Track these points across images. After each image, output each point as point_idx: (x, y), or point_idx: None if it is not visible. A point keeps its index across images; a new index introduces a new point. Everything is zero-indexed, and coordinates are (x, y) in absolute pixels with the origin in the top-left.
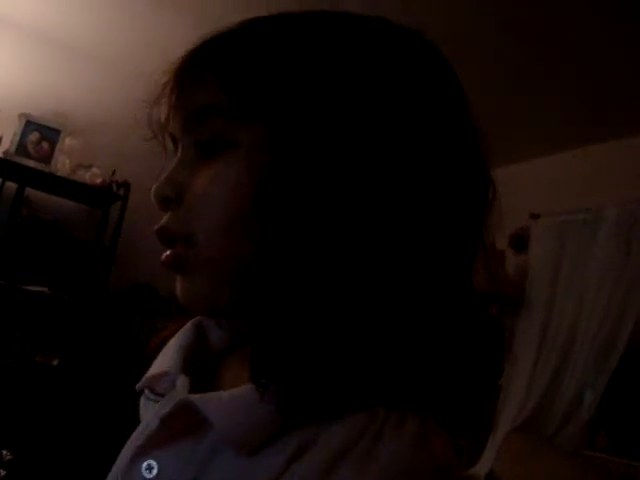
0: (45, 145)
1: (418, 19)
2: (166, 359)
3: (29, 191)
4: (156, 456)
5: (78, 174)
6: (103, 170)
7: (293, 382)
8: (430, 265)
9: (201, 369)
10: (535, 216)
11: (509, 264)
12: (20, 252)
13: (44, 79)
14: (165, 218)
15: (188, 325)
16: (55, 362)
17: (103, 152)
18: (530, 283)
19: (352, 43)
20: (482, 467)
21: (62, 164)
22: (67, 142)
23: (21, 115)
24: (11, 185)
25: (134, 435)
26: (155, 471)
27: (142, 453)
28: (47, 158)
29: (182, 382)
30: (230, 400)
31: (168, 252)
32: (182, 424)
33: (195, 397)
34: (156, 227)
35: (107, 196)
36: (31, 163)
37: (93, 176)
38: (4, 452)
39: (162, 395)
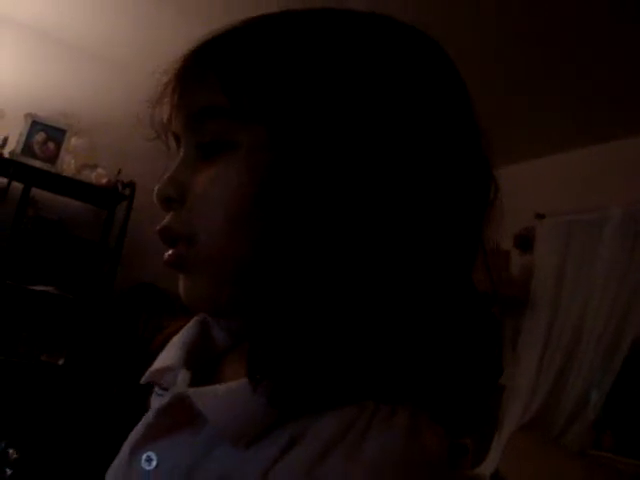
0: (51, 145)
1: (418, 19)
2: (170, 354)
3: (35, 191)
4: (155, 448)
5: (84, 174)
6: (109, 170)
7: (285, 376)
8: (426, 264)
9: (204, 365)
10: (540, 216)
11: (514, 264)
12: (26, 252)
13: (50, 79)
14: (167, 218)
15: (192, 322)
16: (61, 361)
17: (108, 152)
18: (535, 283)
19: (354, 42)
20: (487, 467)
21: (68, 164)
22: (73, 142)
23: (27, 115)
24: (17, 185)
25: (135, 429)
26: (154, 463)
27: (141, 445)
28: (53, 158)
29: (182, 376)
30: (225, 394)
31: (170, 251)
32: (179, 416)
33: (191, 391)
34: (158, 227)
35: (113, 196)
36: (37, 163)
37: (99, 176)
38: (10, 451)
39: (168, 389)
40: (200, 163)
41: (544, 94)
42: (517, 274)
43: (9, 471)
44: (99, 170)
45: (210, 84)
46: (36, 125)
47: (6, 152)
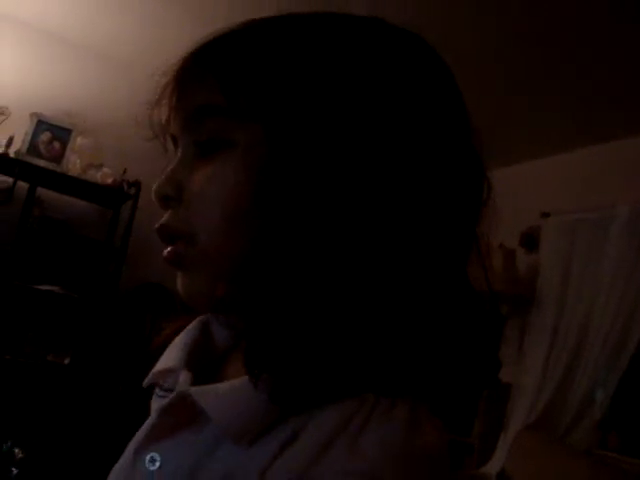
0: (56, 145)
1: (419, 19)
2: (171, 356)
3: (40, 191)
4: (159, 448)
5: (89, 174)
6: (114, 170)
7: (284, 369)
8: (421, 260)
9: (206, 366)
10: (546, 215)
11: (520, 263)
12: (31, 252)
13: (55, 79)
14: (166, 216)
15: (194, 323)
16: (66, 361)
17: (114, 152)
18: (541, 282)
19: (348, 44)
20: (493, 466)
21: (73, 164)
22: (78, 142)
23: (32, 115)
24: (23, 185)
25: (140, 430)
26: (158, 463)
27: (145, 446)
28: (58, 158)
29: (184, 377)
30: (226, 392)
31: (169, 249)
32: (181, 416)
33: (193, 390)
34: (157, 225)
35: (118, 195)
36: (42, 163)
37: (104, 176)
38: (16, 450)
39: (171, 391)
40: (198, 161)
41: (547, 94)
42: (523, 273)
43: (15, 470)
44: (104, 170)
45: (208, 84)
46: (41, 125)
47: (12, 152)
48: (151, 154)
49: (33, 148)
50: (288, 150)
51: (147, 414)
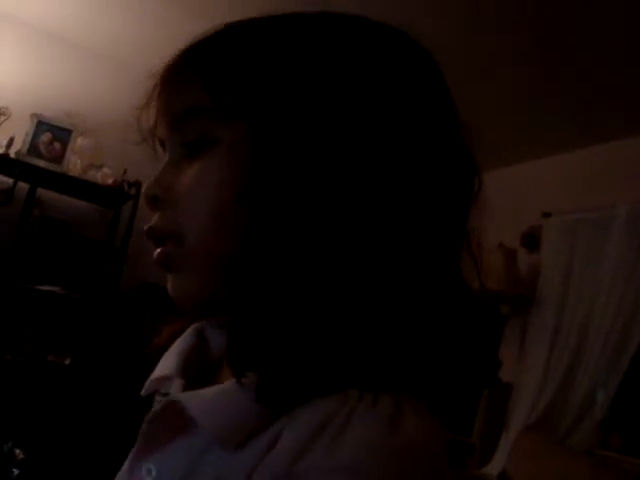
0: (57, 145)
1: (419, 20)
2: (167, 364)
3: (41, 191)
4: (153, 458)
5: (89, 174)
6: (114, 170)
7: (269, 366)
8: (407, 254)
9: (202, 373)
10: (547, 215)
11: (521, 263)
12: (32, 252)
13: (55, 79)
14: (154, 218)
15: (189, 330)
16: (67, 361)
17: (114, 152)
18: (542, 282)
19: (333, 41)
20: (494, 466)
21: (73, 164)
22: (78, 142)
23: (33, 115)
24: (23, 185)
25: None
26: (154, 473)
27: (141, 456)
28: (59, 158)
29: (176, 384)
30: (213, 396)
31: (158, 250)
32: (173, 423)
33: (181, 396)
34: (145, 227)
35: (118, 196)
36: (43, 163)
37: (104, 176)
38: (17, 451)
39: None
40: (185, 162)
41: (547, 94)
42: (524, 273)
43: (16, 471)
44: (105, 170)
45: (193, 85)
46: (42, 125)
47: (12, 152)
48: (151, 154)
49: (33, 149)
50: (273, 146)
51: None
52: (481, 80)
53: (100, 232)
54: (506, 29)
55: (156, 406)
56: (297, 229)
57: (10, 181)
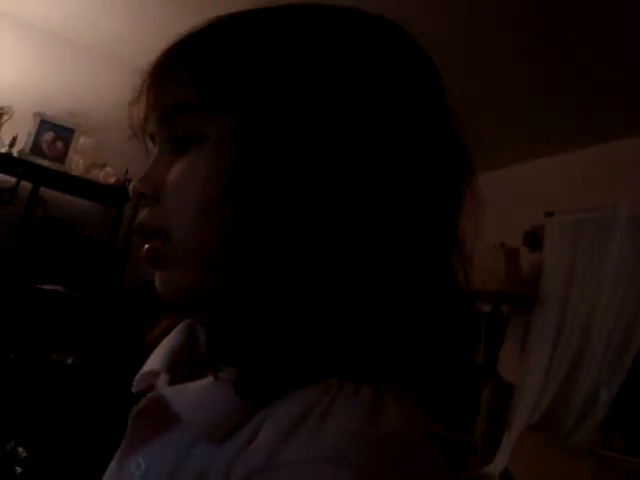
0: (59, 144)
1: (419, 20)
2: (157, 358)
3: (43, 190)
4: (142, 453)
5: (92, 173)
6: (117, 169)
7: (248, 359)
8: (391, 246)
9: (192, 369)
10: (549, 214)
11: (524, 262)
12: (34, 251)
13: (58, 79)
14: (143, 214)
15: (180, 326)
16: (69, 360)
17: (117, 151)
18: (544, 281)
19: (321, 34)
20: (496, 466)
21: (76, 163)
22: (81, 141)
23: (35, 115)
24: (26, 185)
25: None
26: (143, 467)
27: (130, 451)
28: (61, 157)
29: (162, 380)
30: (196, 390)
31: (146, 247)
32: (159, 418)
33: (165, 391)
34: (134, 224)
35: (121, 195)
36: (45, 162)
37: (107, 175)
38: (20, 449)
39: None
40: (174, 158)
41: (548, 94)
42: (526, 272)
43: (19, 469)
44: (107, 169)
45: (181, 80)
46: (44, 124)
47: (15, 151)
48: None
49: (36, 148)
50: (258, 140)
51: None
52: (481, 78)
53: (102, 231)
54: (506, 27)
55: (142, 402)
56: (281, 224)
57: (13, 180)
